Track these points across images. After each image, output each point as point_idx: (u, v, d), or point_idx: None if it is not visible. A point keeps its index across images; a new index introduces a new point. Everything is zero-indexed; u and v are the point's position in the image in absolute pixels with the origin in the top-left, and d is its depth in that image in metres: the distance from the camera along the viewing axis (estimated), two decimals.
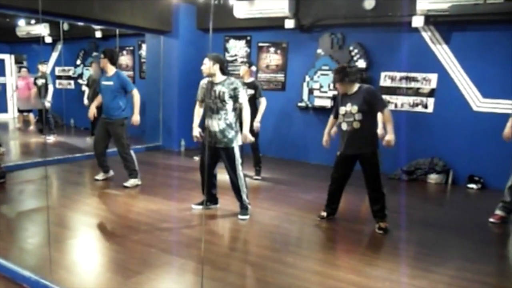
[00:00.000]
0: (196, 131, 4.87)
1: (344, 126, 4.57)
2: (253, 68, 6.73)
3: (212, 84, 4.70)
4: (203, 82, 4.84)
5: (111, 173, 6.35)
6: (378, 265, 3.82)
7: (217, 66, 4.66)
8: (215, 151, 4.77)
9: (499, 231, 5.00)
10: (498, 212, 5.10)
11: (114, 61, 5.91)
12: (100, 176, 6.27)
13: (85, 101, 9.22)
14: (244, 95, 4.74)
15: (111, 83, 5.83)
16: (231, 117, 4.68)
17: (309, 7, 7.73)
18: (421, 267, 3.75)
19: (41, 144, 9.28)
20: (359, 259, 3.92)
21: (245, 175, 4.93)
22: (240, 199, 4.89)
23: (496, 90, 6.51)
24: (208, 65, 4.64)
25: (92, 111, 6.11)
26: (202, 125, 4.85)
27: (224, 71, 4.72)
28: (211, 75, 4.68)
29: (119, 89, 5.83)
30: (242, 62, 6.59)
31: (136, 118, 5.94)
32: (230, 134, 4.67)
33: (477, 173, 6.71)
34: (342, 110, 4.55)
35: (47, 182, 6.12)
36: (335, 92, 7.61)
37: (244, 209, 4.90)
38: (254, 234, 4.56)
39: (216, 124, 4.65)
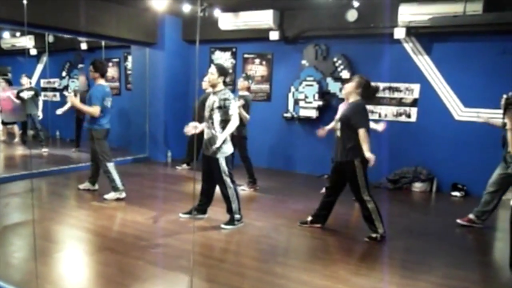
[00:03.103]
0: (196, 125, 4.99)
1: (336, 133, 4.80)
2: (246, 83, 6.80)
3: (210, 94, 4.91)
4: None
5: (96, 186, 6.35)
6: (366, 274, 3.86)
7: (221, 78, 4.82)
8: (207, 159, 4.90)
9: (484, 238, 5.10)
10: (470, 215, 5.30)
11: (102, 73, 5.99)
12: (82, 185, 6.39)
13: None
14: (234, 108, 4.77)
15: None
16: (217, 127, 4.74)
17: (293, 19, 7.83)
18: (408, 276, 3.81)
19: (26, 156, 9.18)
20: (347, 268, 3.96)
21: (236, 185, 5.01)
22: (230, 210, 4.93)
23: (477, 100, 6.65)
24: (215, 75, 4.78)
25: None
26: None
27: (226, 83, 4.90)
28: (213, 85, 4.82)
29: (89, 101, 5.86)
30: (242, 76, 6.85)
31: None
32: (216, 144, 4.75)
33: (461, 181, 6.83)
34: (337, 116, 4.90)
35: (33, 195, 6.06)
36: (320, 103, 7.73)
37: (230, 220, 4.94)
38: (243, 245, 4.57)
39: (206, 133, 4.83)
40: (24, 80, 9.16)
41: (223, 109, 4.70)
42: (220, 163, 4.79)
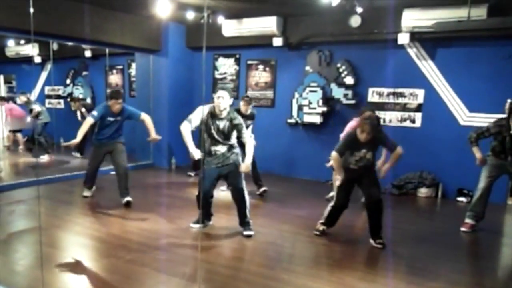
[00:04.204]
0: (198, 153, 4.70)
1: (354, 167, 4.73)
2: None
3: (215, 117, 4.67)
4: (205, 111, 4.72)
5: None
6: (372, 280, 3.84)
7: (231, 101, 4.71)
8: (221, 172, 4.79)
9: (490, 244, 5.07)
10: (468, 220, 5.25)
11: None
12: (89, 193, 6.41)
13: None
14: (245, 132, 4.79)
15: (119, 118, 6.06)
16: (234, 141, 4.80)
17: (297, 25, 7.85)
18: (415, 282, 3.78)
19: (31, 163, 9.20)
20: (353, 274, 3.93)
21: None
22: (244, 216, 4.90)
23: (482, 105, 6.64)
24: (226, 100, 4.63)
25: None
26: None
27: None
28: (223, 110, 4.66)
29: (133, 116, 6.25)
30: (243, 98, 6.77)
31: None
32: (235, 151, 4.81)
33: (466, 186, 6.79)
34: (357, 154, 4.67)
35: (39, 202, 6.07)
36: (324, 109, 7.73)
37: (248, 224, 4.92)
38: (249, 251, 4.56)
39: (221, 148, 4.73)
40: (19, 99, 9.31)
41: (236, 129, 4.70)
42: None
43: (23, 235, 4.87)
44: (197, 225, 5.10)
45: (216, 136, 4.68)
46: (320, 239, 4.86)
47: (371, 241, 4.69)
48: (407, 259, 4.36)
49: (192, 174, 8.20)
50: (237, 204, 4.91)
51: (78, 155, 9.56)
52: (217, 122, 4.67)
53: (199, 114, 4.74)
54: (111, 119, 5.97)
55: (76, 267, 4.02)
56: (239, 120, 4.74)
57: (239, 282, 3.75)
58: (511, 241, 5.17)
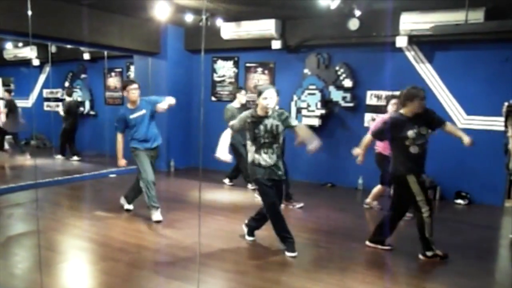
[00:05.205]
0: (227, 156, 4.35)
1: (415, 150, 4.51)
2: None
3: (259, 120, 4.33)
4: (247, 115, 4.42)
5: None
6: (372, 282, 3.84)
7: (277, 99, 4.42)
8: (278, 184, 4.52)
9: (488, 246, 5.08)
10: None
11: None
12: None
13: None
14: (293, 118, 4.64)
15: (143, 111, 5.54)
16: (279, 149, 4.45)
17: (295, 28, 7.87)
18: (414, 284, 3.79)
19: (29, 166, 9.19)
20: (352, 277, 3.94)
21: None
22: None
23: (480, 107, 6.66)
24: (274, 99, 4.29)
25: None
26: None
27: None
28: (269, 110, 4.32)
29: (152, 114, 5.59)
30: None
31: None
32: (281, 164, 4.50)
33: (464, 189, 6.81)
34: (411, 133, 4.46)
35: (37, 205, 6.05)
36: (323, 111, 7.73)
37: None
38: (247, 253, 4.56)
39: (268, 158, 4.35)
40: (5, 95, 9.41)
41: (285, 127, 4.40)
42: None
43: (21, 238, 4.87)
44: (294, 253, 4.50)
45: (262, 139, 4.32)
46: (319, 242, 4.87)
47: (369, 243, 4.71)
48: (407, 261, 4.37)
49: (227, 181, 7.84)
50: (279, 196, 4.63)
51: (75, 158, 9.56)
52: (264, 123, 4.31)
53: (243, 119, 4.42)
54: (134, 115, 5.43)
55: (75, 270, 4.02)
56: (284, 111, 4.49)
57: (238, 284, 3.75)
58: (508, 243, 5.18)
